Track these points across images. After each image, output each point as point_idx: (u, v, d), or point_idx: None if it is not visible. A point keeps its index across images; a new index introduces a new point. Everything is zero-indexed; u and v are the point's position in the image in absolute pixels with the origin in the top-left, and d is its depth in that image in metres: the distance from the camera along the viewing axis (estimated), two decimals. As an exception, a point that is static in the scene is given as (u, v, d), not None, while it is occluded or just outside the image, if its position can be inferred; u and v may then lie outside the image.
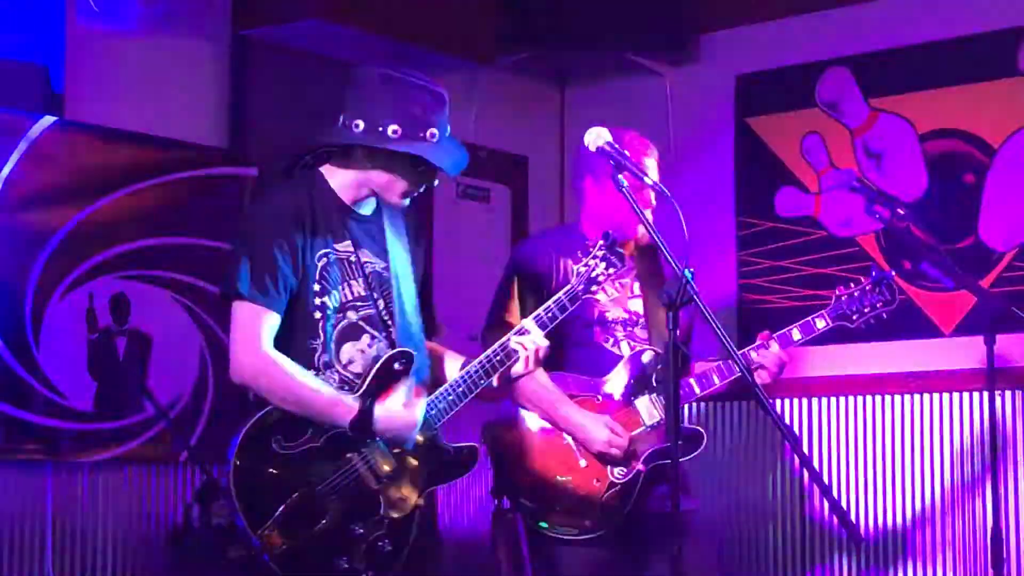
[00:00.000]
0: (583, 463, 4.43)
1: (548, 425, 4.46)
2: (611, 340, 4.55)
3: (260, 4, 6.02)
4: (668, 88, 6.78)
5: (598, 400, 4.48)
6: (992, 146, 6.06)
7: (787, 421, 6.27)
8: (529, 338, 3.91)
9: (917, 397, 6.11)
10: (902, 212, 4.47)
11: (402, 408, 3.74)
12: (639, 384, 4.48)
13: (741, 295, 6.53)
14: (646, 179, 3.72)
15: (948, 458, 6.03)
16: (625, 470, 4.42)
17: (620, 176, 3.76)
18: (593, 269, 4.01)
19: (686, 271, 3.70)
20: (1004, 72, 6.04)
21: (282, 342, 3.73)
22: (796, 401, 6.32)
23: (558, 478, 4.42)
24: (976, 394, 5.94)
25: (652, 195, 4.37)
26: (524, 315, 4.46)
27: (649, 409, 4.46)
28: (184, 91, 5.89)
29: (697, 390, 4.50)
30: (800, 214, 6.46)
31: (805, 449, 6.20)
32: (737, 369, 4.30)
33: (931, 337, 6.04)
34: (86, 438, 5.42)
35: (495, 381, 3.91)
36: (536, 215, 6.99)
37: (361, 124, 3.76)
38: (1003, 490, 5.76)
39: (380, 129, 3.74)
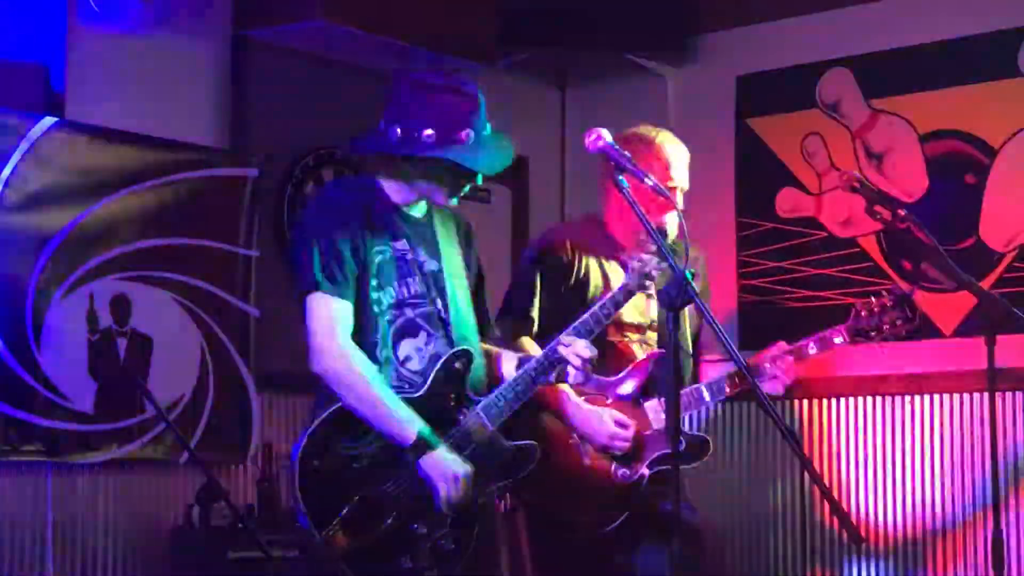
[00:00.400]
0: (587, 462, 4.43)
1: (554, 422, 4.45)
2: (624, 342, 4.53)
3: (260, 5, 6.02)
4: (669, 89, 6.78)
5: (607, 400, 4.46)
6: (993, 147, 6.06)
7: (788, 422, 6.27)
8: (572, 349, 3.87)
9: (918, 398, 6.11)
10: (903, 213, 4.44)
11: (461, 463, 3.74)
12: (649, 387, 4.46)
13: (741, 296, 6.53)
14: (646, 180, 3.70)
15: (948, 459, 6.03)
16: (628, 472, 4.42)
17: (621, 177, 3.74)
18: (647, 264, 3.98)
19: (687, 272, 3.69)
20: (1005, 73, 6.04)
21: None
22: (797, 402, 6.32)
23: (562, 476, 4.42)
24: (976, 395, 5.95)
25: (679, 198, 4.37)
26: (542, 307, 4.45)
27: (657, 413, 4.44)
28: (184, 92, 5.89)
29: (707, 397, 4.48)
30: (801, 215, 6.46)
31: (805, 450, 6.19)
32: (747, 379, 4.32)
33: (932, 338, 6.04)
34: (87, 439, 5.42)
35: (553, 378, 3.90)
36: (536, 215, 6.99)
37: (398, 131, 3.80)
38: (1003, 491, 5.76)
39: (415, 135, 3.77)
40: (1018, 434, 5.89)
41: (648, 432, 4.45)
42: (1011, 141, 6.02)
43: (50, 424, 5.32)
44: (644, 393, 4.47)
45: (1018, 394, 5.89)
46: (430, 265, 3.88)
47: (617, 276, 4.43)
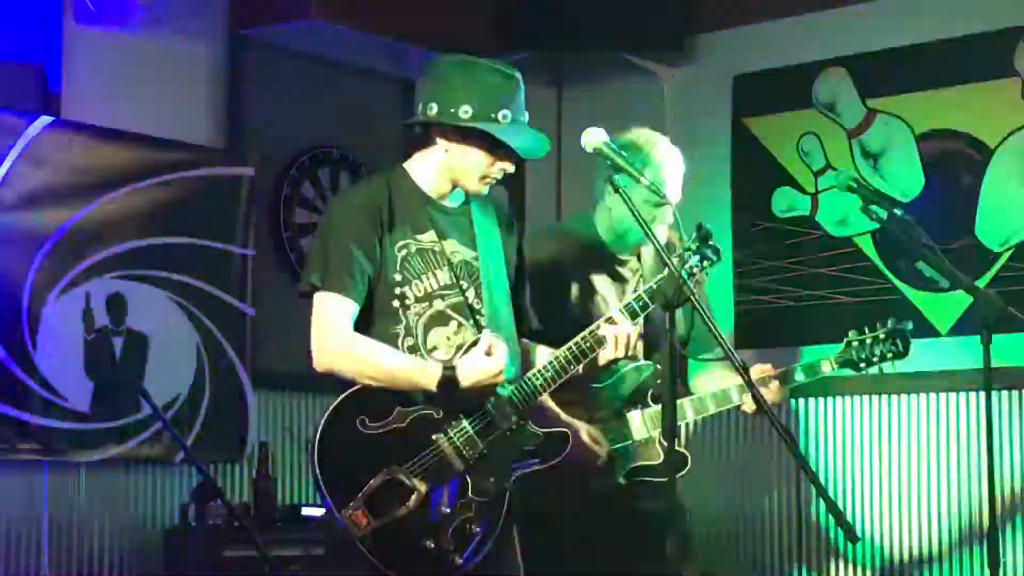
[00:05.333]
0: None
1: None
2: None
3: (258, 4, 6.03)
4: (665, 88, 6.78)
5: (589, 409, 4.43)
6: (989, 146, 6.06)
7: (784, 421, 6.27)
8: (618, 327, 3.89)
9: (914, 397, 6.12)
10: (899, 212, 4.43)
11: (485, 357, 3.71)
12: (633, 397, 4.42)
13: (737, 295, 6.53)
14: (642, 180, 3.69)
15: (944, 458, 6.04)
16: (605, 480, 4.38)
17: (617, 177, 3.74)
18: (685, 262, 3.93)
19: (683, 271, 3.69)
20: (1000, 72, 6.04)
21: (364, 330, 3.74)
22: (793, 401, 6.32)
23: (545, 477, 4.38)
24: (972, 394, 5.95)
25: (671, 211, 4.30)
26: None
27: (639, 424, 4.40)
28: (181, 91, 5.89)
29: (690, 414, 4.43)
30: (797, 214, 6.46)
31: (802, 449, 6.20)
32: (735, 395, 4.32)
33: (928, 337, 6.04)
34: (83, 438, 5.43)
35: (581, 368, 3.89)
36: (534, 215, 7.00)
37: (435, 107, 3.77)
38: (999, 490, 5.76)
39: (452, 110, 3.75)
40: (1014, 434, 5.89)
41: (627, 443, 4.40)
42: (1007, 140, 6.03)
43: (46, 423, 5.33)
44: (628, 403, 4.42)
45: (1013, 393, 5.89)
46: (464, 255, 3.84)
47: (604, 287, 4.39)
